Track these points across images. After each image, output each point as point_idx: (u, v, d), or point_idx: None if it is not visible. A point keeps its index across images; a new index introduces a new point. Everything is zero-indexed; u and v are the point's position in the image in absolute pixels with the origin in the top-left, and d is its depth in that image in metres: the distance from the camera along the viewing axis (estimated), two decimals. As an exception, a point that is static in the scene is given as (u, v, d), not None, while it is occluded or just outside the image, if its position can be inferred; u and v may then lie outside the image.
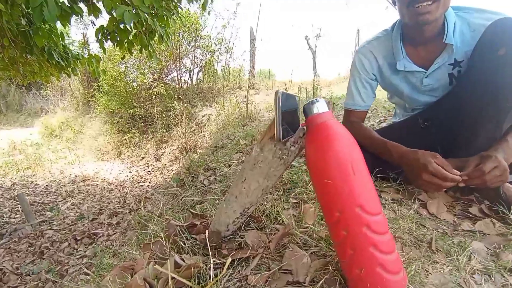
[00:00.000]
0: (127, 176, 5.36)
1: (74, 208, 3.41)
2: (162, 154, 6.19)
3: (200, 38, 6.38)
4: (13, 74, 3.07)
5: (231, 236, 0.62)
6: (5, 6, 1.60)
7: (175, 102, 6.03)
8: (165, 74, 6.71)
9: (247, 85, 6.02)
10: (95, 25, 2.34)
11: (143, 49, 2.59)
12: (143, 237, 0.99)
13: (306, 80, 6.62)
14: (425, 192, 0.86)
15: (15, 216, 2.97)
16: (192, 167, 1.99)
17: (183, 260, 0.49)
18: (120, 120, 6.65)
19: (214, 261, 0.47)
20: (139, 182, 4.94)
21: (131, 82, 6.23)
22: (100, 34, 2.45)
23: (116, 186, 4.69)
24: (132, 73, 6.42)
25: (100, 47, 2.54)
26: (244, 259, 0.52)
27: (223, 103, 5.46)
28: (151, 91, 6.16)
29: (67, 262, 1.98)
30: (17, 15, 1.92)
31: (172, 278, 0.41)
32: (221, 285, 0.47)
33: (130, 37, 2.51)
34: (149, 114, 6.52)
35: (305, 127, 0.45)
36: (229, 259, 0.47)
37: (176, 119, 6.23)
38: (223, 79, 6.69)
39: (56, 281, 1.58)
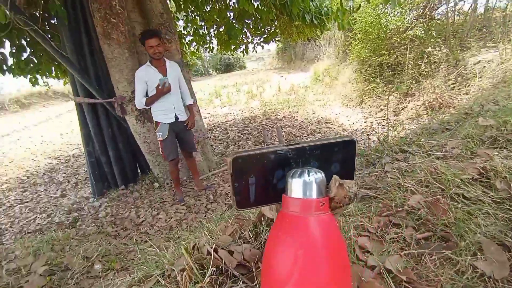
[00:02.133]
0: (361, 125, 5.57)
1: (310, 145, 4.35)
2: (402, 109, 5.55)
3: None
4: (285, 36, 4.12)
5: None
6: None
7: (434, 46, 4.79)
8: (432, 8, 5.31)
9: None
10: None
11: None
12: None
13: None
14: None
15: (276, 141, 4.42)
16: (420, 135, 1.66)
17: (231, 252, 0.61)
18: (368, 69, 6.63)
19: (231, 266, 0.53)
20: (368, 135, 4.98)
21: (385, 27, 5.71)
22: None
23: (348, 133, 5.12)
24: (389, 15, 5.80)
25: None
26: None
27: (517, 44, 3.45)
28: (405, 34, 5.30)
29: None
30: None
31: (195, 263, 0.55)
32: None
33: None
34: (398, 62, 5.82)
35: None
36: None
37: (431, 68, 5.03)
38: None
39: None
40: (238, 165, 0.32)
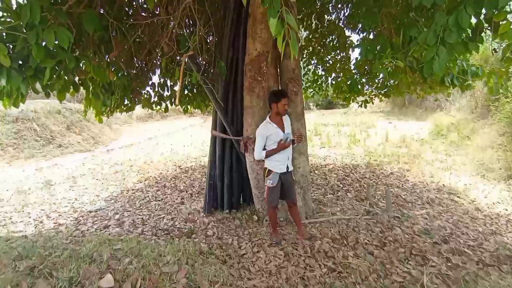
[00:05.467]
0: (507, 210, 4.23)
1: (426, 218, 3.54)
2: None
3: None
4: (411, 92, 3.85)
5: None
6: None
7: None
8: None
9: None
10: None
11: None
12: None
13: None
14: None
15: (382, 201, 3.96)
16: None
17: None
18: (522, 135, 5.23)
19: None
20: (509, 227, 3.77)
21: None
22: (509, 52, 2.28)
23: (485, 216, 3.94)
24: None
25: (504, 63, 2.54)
26: None
27: None
28: None
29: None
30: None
31: None
32: None
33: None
34: None
35: None
36: None
37: None
38: None
39: None
40: None
